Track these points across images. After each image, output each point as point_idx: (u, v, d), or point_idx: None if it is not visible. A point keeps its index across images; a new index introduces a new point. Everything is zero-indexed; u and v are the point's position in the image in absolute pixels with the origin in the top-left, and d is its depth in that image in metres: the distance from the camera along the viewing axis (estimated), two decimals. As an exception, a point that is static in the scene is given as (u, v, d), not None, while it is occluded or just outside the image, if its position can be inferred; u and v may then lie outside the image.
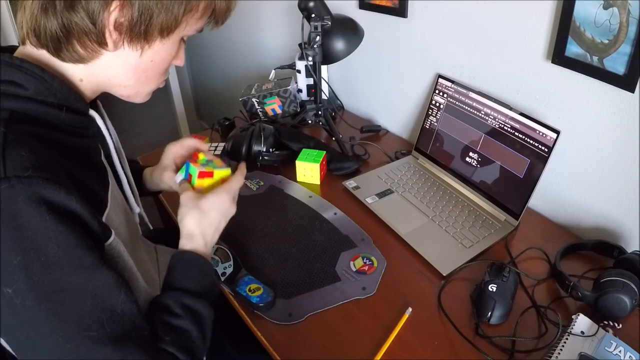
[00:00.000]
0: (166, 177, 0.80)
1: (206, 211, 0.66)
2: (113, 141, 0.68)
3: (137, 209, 0.76)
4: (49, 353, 0.47)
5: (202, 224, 0.65)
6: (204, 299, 0.61)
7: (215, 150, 1.23)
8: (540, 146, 0.91)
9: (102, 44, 0.53)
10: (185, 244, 0.65)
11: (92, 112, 0.60)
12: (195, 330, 0.58)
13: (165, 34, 0.56)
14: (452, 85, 1.10)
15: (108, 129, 0.66)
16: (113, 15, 0.51)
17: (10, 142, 0.47)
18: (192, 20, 0.58)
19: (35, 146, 0.48)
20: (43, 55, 0.55)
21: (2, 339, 0.50)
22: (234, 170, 0.73)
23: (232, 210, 0.70)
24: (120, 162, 0.70)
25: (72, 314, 0.47)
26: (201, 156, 0.75)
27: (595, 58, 0.83)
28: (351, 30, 1.20)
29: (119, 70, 0.57)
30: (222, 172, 0.72)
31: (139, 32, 0.54)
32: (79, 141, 0.57)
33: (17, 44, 0.58)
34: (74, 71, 0.57)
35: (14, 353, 0.51)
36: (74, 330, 0.47)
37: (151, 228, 0.85)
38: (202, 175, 0.70)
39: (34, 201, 0.45)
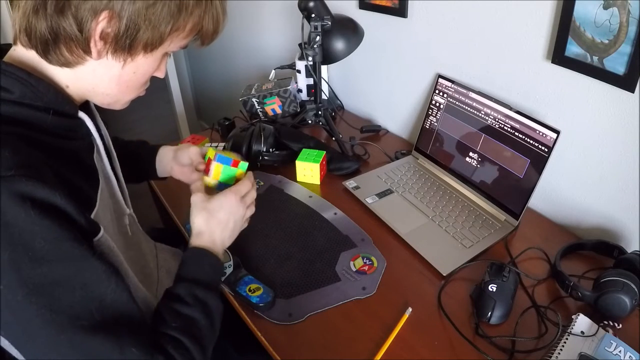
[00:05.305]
0: (180, 173, 0.88)
1: (214, 211, 0.70)
2: (104, 142, 0.69)
3: (127, 210, 0.76)
4: (44, 345, 0.48)
5: (209, 223, 0.69)
6: (214, 292, 0.64)
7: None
8: (540, 146, 0.91)
9: (87, 51, 0.54)
10: (193, 241, 0.69)
11: (82, 115, 0.61)
12: (203, 319, 0.60)
13: (149, 49, 0.57)
14: (452, 85, 1.10)
15: (99, 131, 0.67)
16: (100, 25, 0.52)
17: None
18: (177, 39, 0.59)
19: (20, 147, 0.49)
20: (32, 57, 0.56)
21: (1, 337, 0.50)
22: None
23: (240, 210, 0.73)
24: (112, 164, 0.71)
25: (62, 305, 0.48)
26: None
27: (595, 58, 0.83)
28: (351, 30, 1.20)
29: (102, 78, 0.59)
30: (243, 164, 0.76)
31: (124, 45, 0.55)
32: (67, 143, 0.58)
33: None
34: (60, 77, 0.57)
35: (14, 348, 0.51)
36: (66, 321, 0.48)
37: (140, 230, 0.85)
38: (234, 164, 0.75)
39: (17, 199, 0.46)
